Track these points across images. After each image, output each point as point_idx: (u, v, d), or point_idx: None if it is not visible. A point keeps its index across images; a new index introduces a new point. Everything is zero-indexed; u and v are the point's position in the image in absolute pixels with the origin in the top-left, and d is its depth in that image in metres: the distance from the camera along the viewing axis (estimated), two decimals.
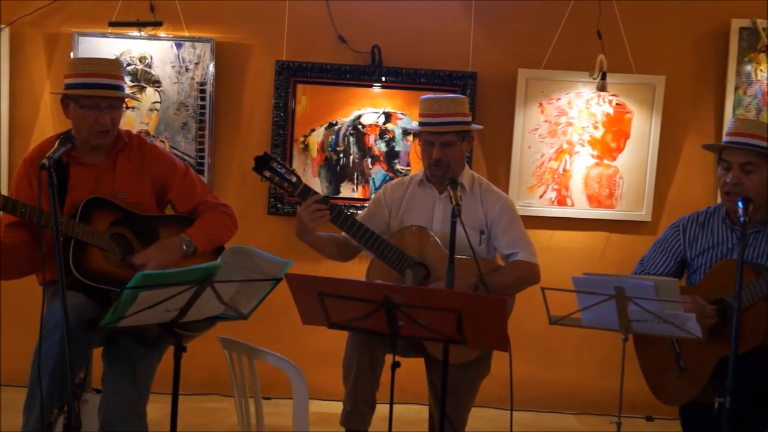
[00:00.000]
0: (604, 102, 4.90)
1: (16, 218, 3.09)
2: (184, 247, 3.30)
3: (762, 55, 4.82)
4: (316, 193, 3.48)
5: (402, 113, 4.95)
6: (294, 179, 3.48)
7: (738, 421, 2.80)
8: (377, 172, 4.99)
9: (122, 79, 3.34)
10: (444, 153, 3.60)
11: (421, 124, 3.66)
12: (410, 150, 4.92)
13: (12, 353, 4.55)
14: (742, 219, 2.96)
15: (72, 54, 4.77)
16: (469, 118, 3.70)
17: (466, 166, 3.77)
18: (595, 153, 4.92)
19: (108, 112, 3.25)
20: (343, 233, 3.60)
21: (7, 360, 4.58)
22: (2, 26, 4.80)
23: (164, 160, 3.48)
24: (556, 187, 4.94)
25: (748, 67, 4.85)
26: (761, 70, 4.85)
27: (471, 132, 3.72)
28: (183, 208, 3.47)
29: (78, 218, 3.15)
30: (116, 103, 3.30)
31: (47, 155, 2.68)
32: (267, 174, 3.47)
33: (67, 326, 2.46)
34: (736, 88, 4.85)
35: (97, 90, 3.22)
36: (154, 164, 3.43)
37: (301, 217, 3.45)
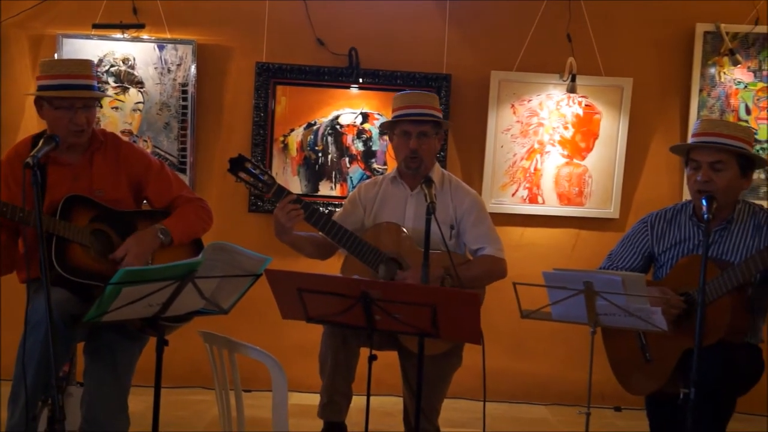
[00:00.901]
0: (574, 103, 4.96)
1: None
2: (161, 236, 3.32)
3: (725, 59, 4.89)
4: (290, 193, 3.51)
5: (379, 114, 4.98)
6: (268, 180, 3.52)
7: (701, 412, 2.86)
8: (355, 171, 5.02)
9: (94, 78, 3.35)
10: (420, 144, 3.63)
11: (398, 116, 3.68)
12: (387, 149, 4.96)
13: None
14: (706, 216, 2.97)
15: (56, 55, 4.77)
16: (441, 114, 3.78)
17: (437, 164, 3.81)
18: (565, 152, 4.98)
19: (83, 112, 3.27)
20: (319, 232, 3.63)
21: None
22: None
23: (139, 158, 3.50)
24: (527, 185, 5.00)
25: (712, 70, 4.92)
26: (724, 73, 4.92)
27: (443, 127, 3.79)
28: (159, 204, 3.49)
29: (58, 216, 3.16)
30: (90, 102, 3.31)
31: (31, 154, 2.66)
32: (242, 175, 3.50)
33: (51, 322, 2.48)
34: (701, 90, 4.92)
35: (73, 91, 3.24)
36: (129, 162, 3.45)
37: (277, 217, 3.48)
